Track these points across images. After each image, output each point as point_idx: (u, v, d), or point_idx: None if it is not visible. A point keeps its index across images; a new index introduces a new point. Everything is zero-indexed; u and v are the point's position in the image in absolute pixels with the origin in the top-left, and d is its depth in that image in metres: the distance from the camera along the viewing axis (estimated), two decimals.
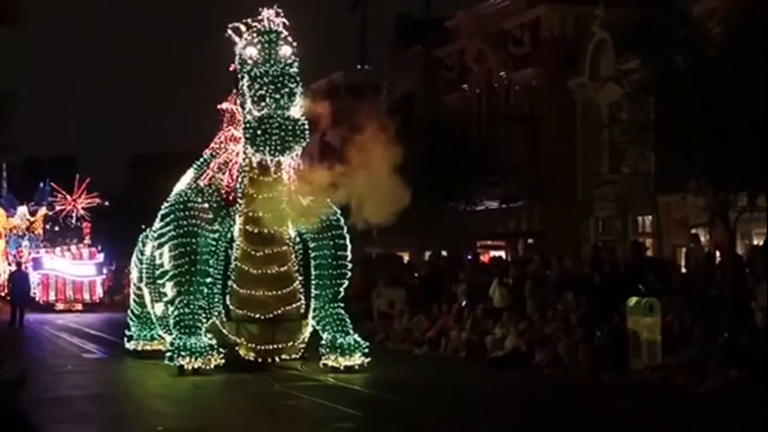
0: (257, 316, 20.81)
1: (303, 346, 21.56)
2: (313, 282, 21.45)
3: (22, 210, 62.23)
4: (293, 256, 21.11)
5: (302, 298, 21.21)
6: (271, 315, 20.79)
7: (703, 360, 17.95)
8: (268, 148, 19.35)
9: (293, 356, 21.47)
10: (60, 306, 45.82)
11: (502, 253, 40.22)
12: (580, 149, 41.58)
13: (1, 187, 72.85)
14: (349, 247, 22.00)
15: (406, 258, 39.43)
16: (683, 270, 23.35)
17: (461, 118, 45.63)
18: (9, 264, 53.22)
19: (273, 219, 20.57)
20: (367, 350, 21.07)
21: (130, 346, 24.43)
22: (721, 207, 24.43)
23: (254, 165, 20.33)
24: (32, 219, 61.51)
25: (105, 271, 51.61)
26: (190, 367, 20.01)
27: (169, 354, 20.50)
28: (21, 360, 21.06)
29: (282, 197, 20.67)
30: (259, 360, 21.05)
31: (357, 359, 20.82)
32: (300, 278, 21.21)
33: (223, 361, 20.41)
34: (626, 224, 39.24)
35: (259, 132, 19.32)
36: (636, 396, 18.10)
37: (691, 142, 24.48)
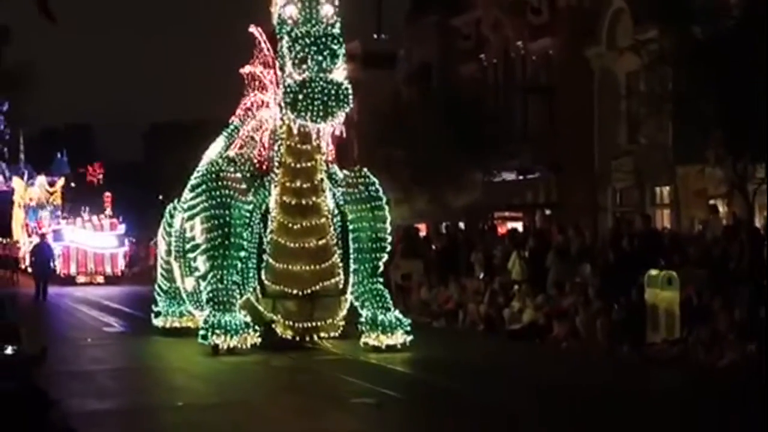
0: (294, 291, 20.04)
1: (342, 323, 20.83)
2: (352, 256, 20.53)
3: (41, 180, 62.26)
4: (332, 228, 20.25)
5: (341, 272, 20.38)
6: (309, 291, 20.04)
7: (721, 334, 17.92)
8: (309, 114, 18.21)
9: (332, 334, 20.70)
10: (81, 279, 45.65)
11: (519, 225, 40.15)
12: (597, 120, 41.40)
13: (18, 158, 73.12)
14: (389, 219, 21.08)
15: (422, 229, 39.39)
16: (701, 242, 23.20)
17: (478, 88, 45.50)
18: (29, 235, 53.37)
19: (311, 189, 19.81)
20: (409, 328, 20.14)
21: (157, 322, 23.55)
22: (739, 179, 24.29)
23: (293, 132, 19.31)
24: (51, 190, 61.60)
25: (126, 242, 51.45)
26: (225, 346, 19.14)
27: (202, 332, 19.61)
28: (41, 334, 21.04)
29: (320, 166, 19.92)
30: (297, 338, 20.32)
31: (399, 337, 19.85)
32: (338, 252, 20.39)
33: (259, 339, 19.59)
34: (644, 195, 39.08)
35: (300, 96, 18.14)
36: (654, 369, 18.14)
37: (709, 114, 24.36)
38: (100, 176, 54.69)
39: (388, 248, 21.14)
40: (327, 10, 18.71)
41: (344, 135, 19.72)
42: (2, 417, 7.48)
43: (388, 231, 21.02)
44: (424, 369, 18.41)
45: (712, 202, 28.30)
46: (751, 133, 23.40)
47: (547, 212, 42.31)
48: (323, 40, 18.25)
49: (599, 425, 13.69)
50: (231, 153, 21.40)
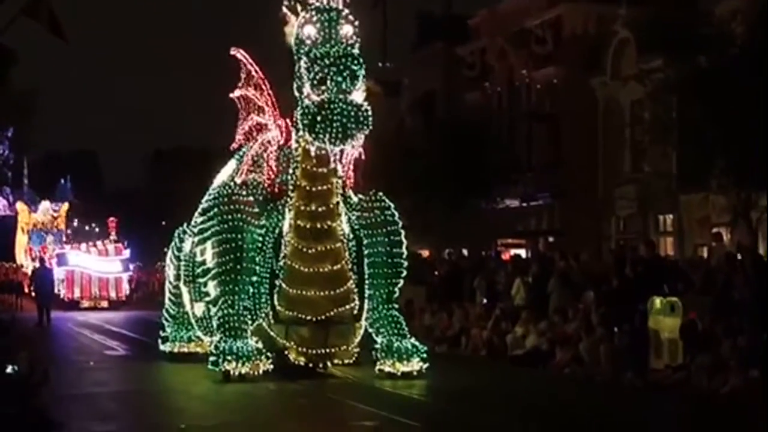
0: (308, 317, 19.05)
1: (357, 350, 19.86)
2: (367, 281, 19.61)
3: (45, 205, 62.42)
4: (347, 253, 19.30)
5: (356, 298, 19.40)
6: (323, 317, 19.04)
7: (724, 360, 17.88)
8: (328, 136, 17.42)
9: (346, 361, 19.77)
10: (85, 303, 45.40)
11: (522, 251, 40.21)
12: (601, 148, 41.60)
13: (22, 183, 73.28)
14: (405, 243, 20.17)
15: (426, 255, 39.40)
16: (705, 269, 23.19)
17: (483, 116, 45.65)
18: (33, 260, 53.39)
19: (327, 212, 18.95)
20: (425, 355, 19.41)
21: (165, 348, 22.76)
22: (743, 206, 24.34)
23: (311, 154, 18.56)
24: (56, 215, 61.73)
25: (131, 267, 51.27)
26: (236, 373, 18.33)
27: (213, 359, 18.76)
28: (44, 358, 20.99)
29: (336, 189, 19.03)
30: (310, 365, 19.44)
31: (415, 364, 19.16)
32: (354, 277, 19.42)
33: (271, 366, 18.71)
34: (647, 223, 39.20)
35: (318, 118, 17.34)
36: (657, 395, 18.07)
37: (714, 142, 24.42)
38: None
39: (404, 273, 20.24)
40: (347, 30, 18.08)
41: (363, 157, 18.95)
42: None
43: (405, 256, 20.22)
44: (429, 394, 18.16)
45: (715, 230, 28.29)
46: (754, 162, 23.42)
47: (551, 239, 42.40)
48: (343, 60, 17.50)
49: None
50: (239, 179, 20.64)
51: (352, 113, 17.36)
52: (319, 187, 18.83)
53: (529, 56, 45.14)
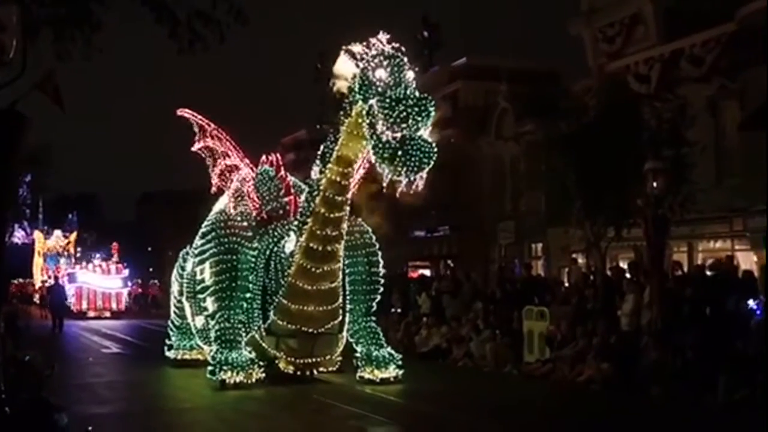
0: (309, 330, 17.26)
1: (340, 359, 18.21)
2: (348, 297, 17.95)
3: (57, 233, 61.90)
4: (341, 272, 17.36)
5: (341, 312, 17.72)
6: (322, 329, 17.32)
7: (581, 355, 18.00)
8: (406, 168, 14.67)
9: (330, 369, 18.12)
10: (91, 313, 44.56)
11: (427, 271, 40.26)
12: (487, 192, 41.79)
13: (38, 218, 72.36)
14: (381, 263, 18.52)
15: None
16: (566, 285, 23.36)
17: None
18: (48, 278, 52.65)
19: (337, 236, 16.65)
20: (400, 362, 17.71)
21: (170, 354, 20.88)
22: (594, 238, 24.51)
23: (333, 182, 16.16)
24: (65, 242, 61.13)
25: (129, 284, 50.65)
26: (232, 381, 16.61)
27: (211, 368, 16.97)
28: (52, 354, 20.55)
29: (345, 216, 16.69)
30: (298, 372, 17.84)
31: (392, 371, 17.45)
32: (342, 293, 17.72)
33: (263, 375, 17.00)
34: (523, 250, 39.42)
35: (400, 153, 14.60)
36: (529, 383, 18.14)
37: (572, 188, 24.59)
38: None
39: (381, 289, 18.56)
40: (410, 75, 15.31)
41: (420, 189, 15.48)
42: (17, 422, 7.23)
43: (381, 274, 18.53)
44: (360, 383, 17.54)
45: (574, 255, 28.50)
46: (603, 203, 23.63)
47: (449, 262, 42.42)
48: (422, 102, 14.88)
49: (493, 422, 13.66)
50: (231, 211, 18.67)
51: (427, 148, 14.89)
52: (336, 214, 16.42)
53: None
